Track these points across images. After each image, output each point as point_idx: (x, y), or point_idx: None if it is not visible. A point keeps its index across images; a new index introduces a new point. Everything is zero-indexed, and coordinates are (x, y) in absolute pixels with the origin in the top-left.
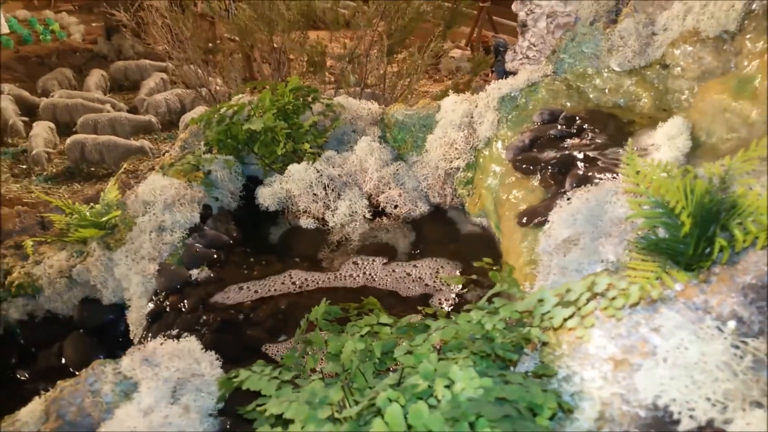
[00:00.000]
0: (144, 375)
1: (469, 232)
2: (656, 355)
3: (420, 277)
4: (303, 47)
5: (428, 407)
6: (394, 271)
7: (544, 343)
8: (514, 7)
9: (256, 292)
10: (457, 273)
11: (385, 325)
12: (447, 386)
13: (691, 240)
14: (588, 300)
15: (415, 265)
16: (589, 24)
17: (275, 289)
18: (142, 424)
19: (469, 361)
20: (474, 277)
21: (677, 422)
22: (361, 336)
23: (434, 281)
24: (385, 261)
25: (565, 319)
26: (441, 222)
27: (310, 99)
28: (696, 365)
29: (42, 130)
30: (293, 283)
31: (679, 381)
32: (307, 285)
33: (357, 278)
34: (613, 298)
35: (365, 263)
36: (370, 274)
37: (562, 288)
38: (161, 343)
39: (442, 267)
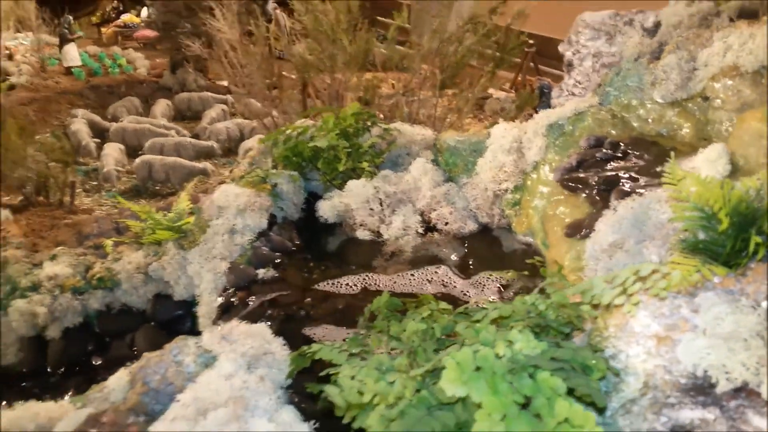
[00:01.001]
0: (222, 349)
1: (514, 249)
2: (696, 329)
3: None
4: (360, 80)
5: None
6: (441, 278)
7: (594, 318)
8: (560, 47)
9: (315, 292)
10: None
11: (444, 310)
12: (507, 346)
13: (728, 241)
14: (634, 282)
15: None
16: (633, 60)
17: (333, 291)
18: (224, 387)
19: (526, 329)
20: (525, 273)
21: (714, 385)
22: (422, 318)
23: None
24: (436, 271)
25: (613, 298)
26: (488, 239)
27: (369, 123)
28: (731, 335)
29: (113, 150)
30: (350, 285)
31: (716, 349)
32: (363, 288)
33: (409, 284)
34: (657, 281)
35: (415, 271)
36: (418, 280)
37: (609, 275)
38: (237, 325)
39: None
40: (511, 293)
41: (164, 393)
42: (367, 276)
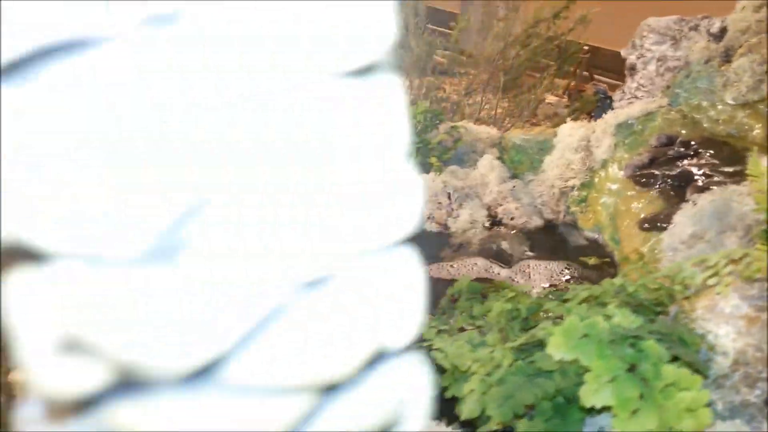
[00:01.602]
0: None
1: (579, 243)
2: None
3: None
4: (422, 82)
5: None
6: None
7: (685, 298)
8: (623, 52)
9: None
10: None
11: (527, 292)
12: (605, 320)
13: None
14: (726, 264)
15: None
16: (703, 63)
17: None
18: None
19: (623, 305)
20: (607, 259)
21: None
22: (507, 300)
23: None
24: (476, 263)
25: (705, 280)
26: (553, 234)
27: (437, 120)
28: None
29: None
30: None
31: None
32: (434, 274)
33: (448, 274)
34: (749, 264)
35: (483, 261)
36: (485, 269)
37: (697, 258)
38: None
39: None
40: (564, 281)
41: None
42: None
